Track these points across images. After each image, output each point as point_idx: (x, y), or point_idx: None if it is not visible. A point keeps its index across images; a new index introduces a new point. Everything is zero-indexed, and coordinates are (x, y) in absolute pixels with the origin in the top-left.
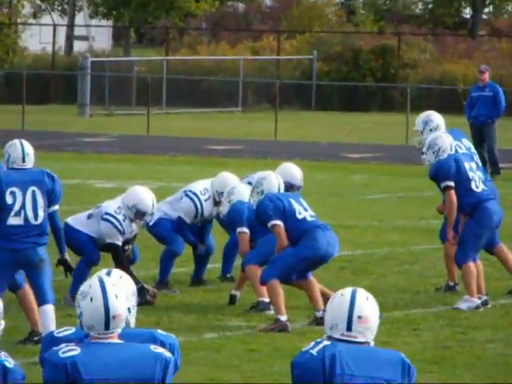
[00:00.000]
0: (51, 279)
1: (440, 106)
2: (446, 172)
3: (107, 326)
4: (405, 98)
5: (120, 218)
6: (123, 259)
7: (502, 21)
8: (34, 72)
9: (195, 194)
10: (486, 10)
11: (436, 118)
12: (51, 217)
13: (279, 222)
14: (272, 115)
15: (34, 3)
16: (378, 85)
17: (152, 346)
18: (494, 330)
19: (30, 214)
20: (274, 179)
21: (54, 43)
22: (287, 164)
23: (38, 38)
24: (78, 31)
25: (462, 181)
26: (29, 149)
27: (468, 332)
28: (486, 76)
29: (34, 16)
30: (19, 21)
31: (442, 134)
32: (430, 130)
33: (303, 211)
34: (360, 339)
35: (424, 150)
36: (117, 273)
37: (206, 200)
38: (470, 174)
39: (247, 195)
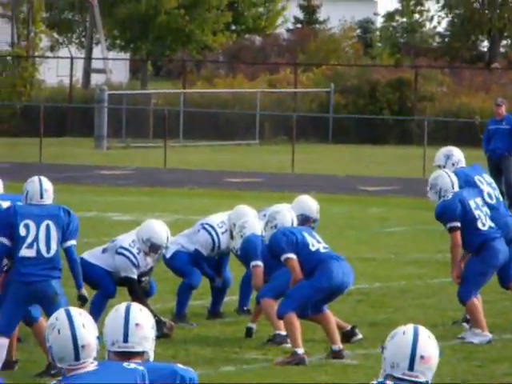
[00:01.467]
0: None
1: (457, 138)
2: (451, 213)
3: (77, 357)
4: (422, 130)
5: (134, 251)
6: (139, 292)
7: None
8: (52, 105)
9: (212, 226)
10: (503, 42)
11: (457, 152)
12: (68, 251)
13: (293, 256)
14: (289, 148)
15: (52, 36)
16: (395, 118)
17: (125, 364)
18: (511, 364)
19: (43, 247)
20: (287, 213)
21: (71, 76)
22: (303, 196)
23: (56, 71)
24: (95, 64)
25: (468, 221)
26: (47, 185)
27: (485, 365)
28: (503, 109)
29: (52, 49)
30: (37, 54)
31: (442, 173)
32: (452, 164)
33: (316, 243)
34: (421, 379)
35: (427, 189)
36: (136, 306)
37: (223, 233)
38: (476, 213)
39: (259, 228)
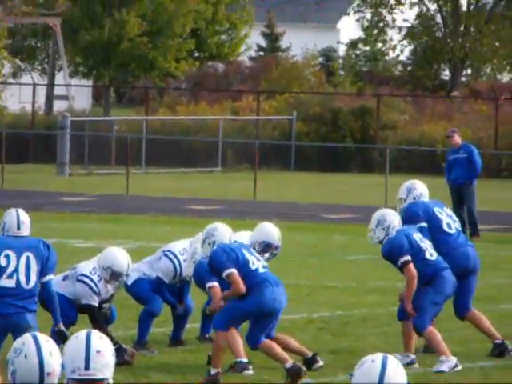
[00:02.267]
0: None
1: (419, 167)
2: (400, 248)
3: (41, 383)
4: (384, 159)
5: (95, 278)
6: (99, 319)
7: (480, 83)
8: (14, 131)
9: (174, 254)
10: (465, 72)
11: (420, 186)
12: (46, 286)
13: (234, 270)
14: (251, 175)
15: (14, 63)
16: (357, 146)
17: None
18: None
19: (23, 278)
20: (224, 230)
21: (33, 103)
22: (265, 224)
23: (18, 98)
24: (57, 91)
25: (417, 253)
26: (24, 217)
27: None
28: (456, 138)
29: (14, 76)
30: None
31: (389, 211)
32: (414, 197)
33: (256, 261)
34: None
35: (372, 227)
36: (96, 333)
37: (184, 260)
38: (422, 245)
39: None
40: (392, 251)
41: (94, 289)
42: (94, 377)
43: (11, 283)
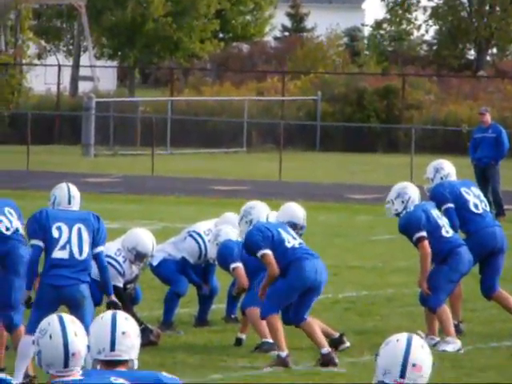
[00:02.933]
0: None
1: (444, 147)
2: (417, 224)
3: (66, 364)
4: (409, 139)
5: (120, 259)
6: (125, 300)
7: (506, 62)
8: (39, 112)
9: (199, 234)
10: (491, 51)
11: (447, 166)
12: (98, 258)
13: (269, 251)
14: (276, 156)
15: (39, 44)
16: (382, 126)
17: (112, 378)
18: (499, 372)
19: (75, 249)
20: (262, 208)
21: (58, 84)
22: (290, 204)
23: (43, 79)
24: (83, 72)
25: (433, 229)
26: (75, 192)
27: (473, 374)
28: (487, 117)
29: (39, 57)
30: (24, 61)
31: (410, 184)
32: (441, 177)
33: (292, 240)
34: None
35: (391, 198)
36: (122, 314)
37: (209, 240)
38: (440, 222)
39: (234, 236)
40: (409, 225)
41: (118, 269)
42: (119, 358)
43: (64, 255)
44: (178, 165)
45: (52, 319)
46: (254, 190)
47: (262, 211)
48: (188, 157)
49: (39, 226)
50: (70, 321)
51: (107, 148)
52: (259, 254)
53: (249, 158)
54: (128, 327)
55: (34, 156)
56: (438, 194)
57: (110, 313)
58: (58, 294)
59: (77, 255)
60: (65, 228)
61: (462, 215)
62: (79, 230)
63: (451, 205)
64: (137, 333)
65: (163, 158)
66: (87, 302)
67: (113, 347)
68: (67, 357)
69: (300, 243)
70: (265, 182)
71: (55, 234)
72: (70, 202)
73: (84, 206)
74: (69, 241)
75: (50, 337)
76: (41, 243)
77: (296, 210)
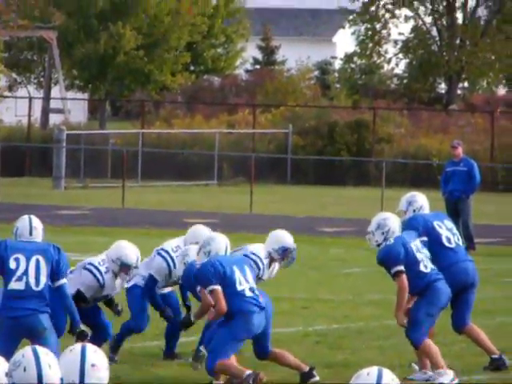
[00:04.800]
0: (58, 349)
1: (415, 180)
2: (395, 257)
3: None
4: (380, 172)
5: (102, 269)
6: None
7: (476, 96)
8: (9, 144)
9: (167, 251)
10: (461, 85)
11: (420, 198)
12: (61, 289)
13: (218, 287)
14: (247, 188)
15: (10, 76)
16: (353, 159)
17: None
18: None
19: (32, 280)
20: (222, 241)
21: (29, 116)
22: (275, 231)
23: (14, 111)
24: (53, 104)
25: (411, 264)
26: (37, 223)
27: None
28: (459, 151)
29: (10, 89)
30: None
31: (390, 215)
32: (414, 210)
33: (244, 283)
34: None
35: (372, 229)
36: (91, 347)
37: (177, 256)
38: (418, 256)
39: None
40: (387, 259)
41: (98, 278)
42: None
43: (21, 286)
44: (149, 197)
45: (26, 351)
46: (225, 222)
47: (221, 244)
48: (159, 189)
49: None
50: (44, 353)
51: (78, 180)
52: (208, 289)
53: (220, 190)
54: (97, 360)
55: (4, 188)
56: (412, 228)
57: (79, 345)
58: (17, 325)
59: (33, 286)
60: (22, 259)
61: (433, 250)
62: (37, 260)
63: (424, 238)
64: (106, 365)
65: (134, 190)
66: (48, 333)
67: (82, 380)
68: None
69: (251, 288)
70: (236, 214)
71: (12, 265)
72: (31, 233)
73: (53, 239)
74: (26, 272)
75: (24, 369)
76: None
77: (284, 235)
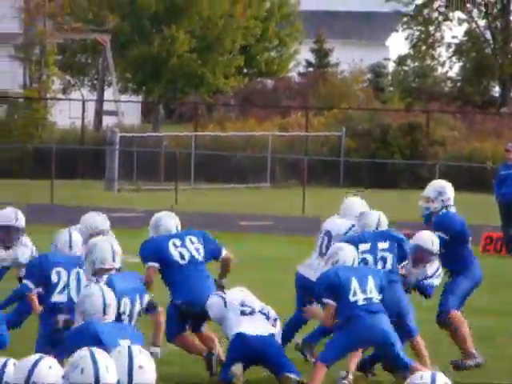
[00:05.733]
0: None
1: (469, 183)
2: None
3: None
4: (433, 175)
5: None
6: None
7: None
8: (63, 147)
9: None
10: None
11: (450, 190)
12: None
13: (331, 302)
14: (300, 191)
15: (64, 79)
16: (406, 162)
17: None
18: None
19: (73, 293)
20: (349, 252)
21: (83, 118)
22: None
23: (68, 113)
24: (107, 106)
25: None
26: (76, 237)
27: None
28: None
29: (64, 91)
30: (48, 96)
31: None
32: (442, 200)
33: (360, 294)
34: None
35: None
36: (138, 348)
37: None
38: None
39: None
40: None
41: None
42: None
43: (63, 298)
44: (202, 200)
45: (83, 353)
46: (278, 225)
47: (348, 254)
48: (211, 192)
49: (38, 272)
50: (101, 355)
51: (131, 183)
52: (323, 300)
53: (272, 193)
54: (145, 361)
55: (58, 190)
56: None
57: (126, 347)
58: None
59: (75, 299)
60: (63, 273)
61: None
62: (78, 274)
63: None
64: (153, 367)
65: (187, 192)
66: None
67: (130, 381)
68: None
69: (366, 298)
70: (288, 217)
71: (54, 278)
72: (71, 248)
73: None
74: (67, 284)
75: (82, 371)
76: (31, 285)
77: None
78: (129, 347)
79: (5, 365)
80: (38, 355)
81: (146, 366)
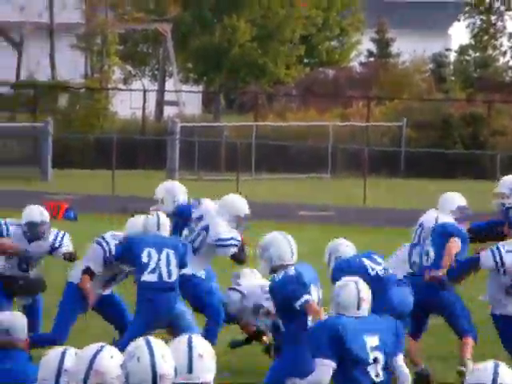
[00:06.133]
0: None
1: None
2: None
3: None
4: (495, 165)
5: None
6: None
7: None
8: (124, 137)
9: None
10: None
11: None
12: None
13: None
14: (361, 181)
15: (125, 69)
16: (468, 152)
17: None
18: None
19: (164, 273)
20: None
21: (143, 108)
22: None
23: (129, 103)
24: (168, 96)
25: None
26: (164, 220)
27: None
28: None
29: (125, 81)
30: (110, 86)
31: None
32: None
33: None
34: None
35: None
36: (198, 337)
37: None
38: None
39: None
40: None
41: (105, 250)
42: (196, 381)
43: (153, 278)
44: (263, 190)
45: (139, 343)
46: (339, 215)
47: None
48: (272, 182)
49: (128, 253)
50: (157, 344)
51: (191, 173)
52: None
53: (333, 183)
54: (204, 350)
55: (119, 180)
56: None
57: (186, 336)
58: (156, 313)
59: (165, 278)
60: (154, 253)
61: None
62: (167, 254)
63: None
64: (212, 355)
65: (247, 182)
66: (185, 316)
67: (190, 370)
68: (155, 380)
69: (385, 268)
70: (349, 207)
71: (145, 258)
72: (159, 229)
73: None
74: (158, 265)
75: (138, 360)
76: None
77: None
78: (189, 336)
79: (64, 353)
80: (99, 344)
81: (206, 354)
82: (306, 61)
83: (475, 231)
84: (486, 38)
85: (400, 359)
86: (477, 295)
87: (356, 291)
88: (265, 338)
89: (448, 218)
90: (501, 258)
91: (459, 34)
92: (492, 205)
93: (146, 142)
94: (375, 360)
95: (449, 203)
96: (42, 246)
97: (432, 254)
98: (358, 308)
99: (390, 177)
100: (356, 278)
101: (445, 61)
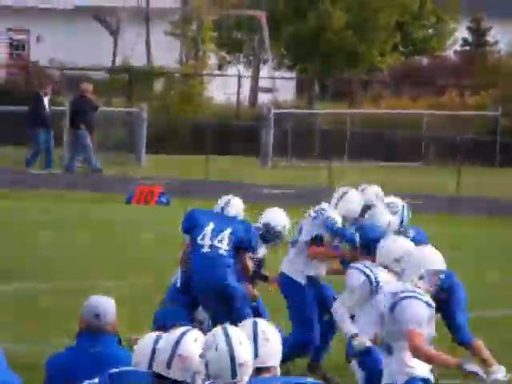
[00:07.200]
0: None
1: None
2: None
3: (234, 374)
4: None
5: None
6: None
7: None
8: (219, 122)
9: None
10: None
11: None
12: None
13: None
14: (453, 170)
15: (220, 55)
16: None
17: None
18: None
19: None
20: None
21: (238, 94)
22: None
23: (223, 89)
24: (262, 83)
25: None
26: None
27: None
28: None
29: (220, 68)
30: (205, 72)
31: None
32: None
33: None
34: None
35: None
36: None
37: None
38: None
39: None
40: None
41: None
42: (263, 365)
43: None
44: (355, 178)
45: (217, 331)
46: (430, 204)
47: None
48: (365, 169)
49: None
50: (234, 331)
51: (285, 159)
52: None
53: (426, 172)
54: (270, 333)
55: (213, 165)
56: None
57: (250, 320)
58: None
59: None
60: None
61: None
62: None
63: None
64: (278, 339)
65: (340, 170)
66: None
67: (256, 354)
68: (234, 367)
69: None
70: (442, 196)
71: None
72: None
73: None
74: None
75: (216, 349)
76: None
77: None
78: (254, 321)
79: (158, 338)
80: (185, 328)
81: (272, 338)
82: (401, 49)
83: None
84: None
85: None
86: None
87: None
88: None
89: None
90: None
91: None
92: None
93: (239, 128)
94: None
95: None
96: None
97: None
98: None
99: (484, 166)
100: None
101: None
